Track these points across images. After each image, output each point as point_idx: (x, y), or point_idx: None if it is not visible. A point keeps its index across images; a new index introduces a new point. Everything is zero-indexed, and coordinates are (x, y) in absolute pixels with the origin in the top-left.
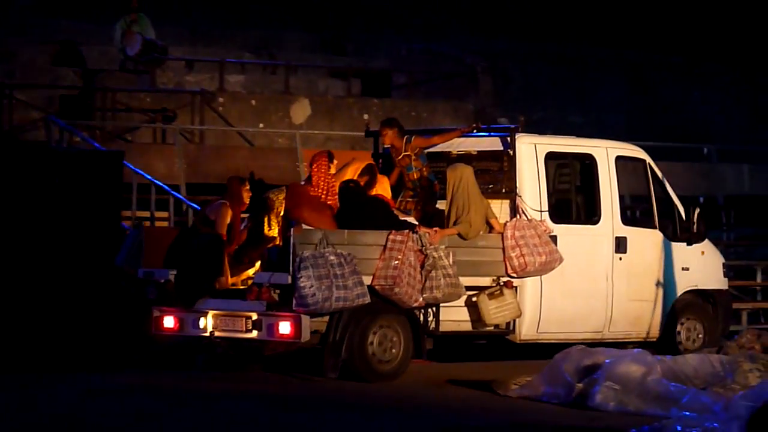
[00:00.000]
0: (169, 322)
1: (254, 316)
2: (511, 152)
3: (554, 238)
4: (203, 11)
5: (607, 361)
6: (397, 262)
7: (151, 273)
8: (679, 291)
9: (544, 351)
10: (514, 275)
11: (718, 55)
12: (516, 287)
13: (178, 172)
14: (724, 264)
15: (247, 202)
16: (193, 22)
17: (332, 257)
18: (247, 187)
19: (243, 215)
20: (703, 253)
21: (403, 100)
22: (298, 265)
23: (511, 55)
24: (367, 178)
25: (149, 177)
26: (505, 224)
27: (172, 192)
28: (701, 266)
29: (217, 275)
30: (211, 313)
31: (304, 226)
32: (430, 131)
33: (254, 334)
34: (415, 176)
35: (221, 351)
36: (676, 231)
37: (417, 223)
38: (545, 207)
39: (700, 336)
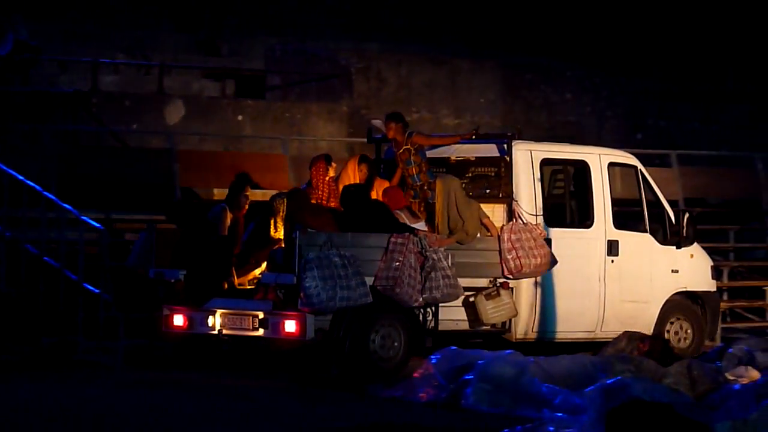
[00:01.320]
0: (178, 320)
1: (261, 315)
2: (508, 158)
3: (549, 242)
4: (77, 11)
5: (479, 362)
6: (397, 263)
7: (161, 273)
8: (669, 292)
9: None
10: (510, 276)
11: (590, 58)
12: (512, 288)
13: (51, 172)
14: (712, 267)
15: (247, 206)
16: (67, 22)
17: (336, 259)
18: (247, 192)
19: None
20: (692, 256)
21: (278, 102)
22: (303, 266)
23: (385, 57)
24: (366, 170)
25: (21, 177)
26: (501, 228)
27: (45, 192)
28: (690, 269)
29: (225, 276)
30: (219, 311)
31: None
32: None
33: (261, 332)
34: (414, 171)
35: (228, 348)
36: (666, 235)
37: (426, 228)
38: (540, 211)
39: (688, 335)
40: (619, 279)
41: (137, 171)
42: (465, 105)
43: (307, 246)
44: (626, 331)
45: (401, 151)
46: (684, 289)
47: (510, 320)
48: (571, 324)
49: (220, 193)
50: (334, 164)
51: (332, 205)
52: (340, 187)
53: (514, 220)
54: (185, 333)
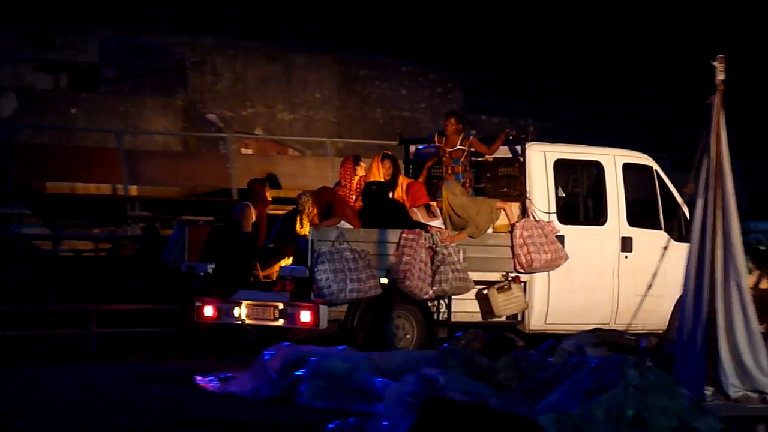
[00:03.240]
0: (208, 311)
1: (281, 306)
2: (522, 159)
3: (561, 238)
4: None
5: (312, 358)
6: (407, 257)
7: (192, 266)
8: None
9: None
10: (522, 271)
11: (425, 55)
12: (525, 282)
13: None
14: None
15: (270, 200)
16: None
17: (347, 253)
18: (267, 190)
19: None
20: None
21: (112, 95)
22: (315, 260)
23: (220, 51)
24: (389, 166)
25: None
26: (513, 225)
27: None
28: None
29: (250, 269)
30: (244, 303)
31: (323, 224)
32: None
33: (280, 322)
34: (460, 170)
35: (252, 337)
36: (681, 232)
37: (441, 226)
38: (553, 209)
39: None
40: (632, 274)
41: None
42: (300, 100)
43: (319, 241)
44: (470, 329)
45: (455, 149)
46: None
47: (523, 312)
48: (584, 317)
49: (53, 187)
50: (362, 164)
51: (360, 203)
52: None
53: (527, 217)
54: (215, 323)
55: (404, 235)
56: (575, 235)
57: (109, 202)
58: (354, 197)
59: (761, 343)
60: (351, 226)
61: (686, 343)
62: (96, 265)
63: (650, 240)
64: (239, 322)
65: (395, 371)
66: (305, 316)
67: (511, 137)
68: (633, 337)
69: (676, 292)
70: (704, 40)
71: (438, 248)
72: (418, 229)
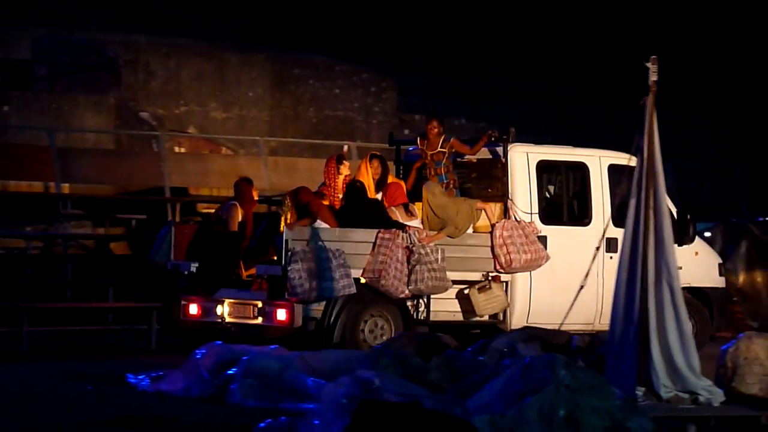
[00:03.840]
0: (193, 309)
1: (260, 304)
2: (504, 160)
3: (544, 239)
4: None
5: (244, 357)
6: (383, 257)
7: (177, 265)
8: None
9: None
10: (502, 271)
11: (358, 54)
12: (506, 282)
13: None
14: (720, 264)
15: (257, 200)
16: None
17: (321, 252)
18: (254, 190)
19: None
20: (696, 253)
21: (44, 93)
22: (289, 259)
23: (154, 49)
24: (378, 165)
25: None
26: (494, 225)
27: None
28: (694, 265)
29: (233, 267)
30: (227, 301)
31: (297, 224)
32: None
33: (259, 320)
34: (443, 171)
35: (231, 336)
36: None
37: (420, 226)
38: (535, 210)
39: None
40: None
41: None
42: (233, 98)
43: (293, 240)
44: (403, 332)
45: (435, 151)
46: (687, 285)
47: (504, 311)
48: (568, 317)
49: None
50: (346, 163)
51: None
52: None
53: (508, 218)
54: (199, 321)
55: (380, 234)
56: (558, 235)
57: (42, 200)
58: (340, 196)
59: (692, 343)
60: (327, 226)
61: (618, 343)
62: (31, 262)
63: None
64: (219, 320)
65: (328, 371)
66: (281, 315)
67: (493, 138)
68: (568, 336)
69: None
70: (638, 41)
71: (414, 248)
72: (394, 229)
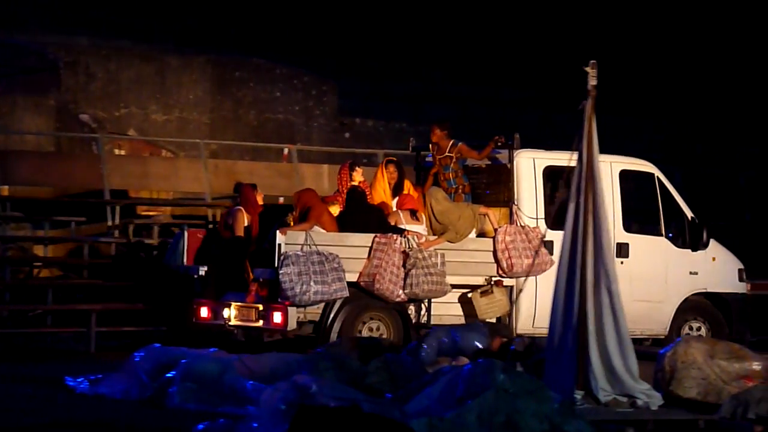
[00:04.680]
0: (204, 312)
1: (261, 307)
2: (509, 166)
3: (550, 244)
4: None
5: (183, 360)
6: (378, 261)
7: (187, 269)
8: (686, 293)
9: None
10: (504, 275)
11: (299, 57)
12: (510, 287)
13: None
14: (741, 269)
15: (261, 204)
16: None
17: (314, 256)
18: (258, 194)
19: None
20: (714, 259)
21: None
22: (281, 263)
23: (94, 51)
24: (393, 170)
25: None
26: (496, 230)
27: None
28: (711, 271)
29: (240, 271)
30: (233, 305)
31: (292, 229)
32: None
33: (260, 323)
34: (451, 176)
35: (234, 338)
36: (685, 239)
37: (423, 230)
38: (541, 215)
39: (705, 334)
40: (629, 280)
41: None
42: (174, 101)
43: (287, 244)
44: (344, 336)
45: (443, 156)
46: (703, 291)
47: (508, 315)
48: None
49: None
50: (359, 169)
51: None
52: (374, 191)
53: (512, 222)
54: (209, 323)
55: (377, 239)
56: None
57: None
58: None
59: (631, 347)
60: (323, 230)
61: (557, 347)
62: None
63: (649, 246)
64: (224, 323)
65: (267, 374)
66: (276, 318)
67: (499, 144)
68: (506, 338)
69: (676, 298)
70: (577, 45)
71: (411, 252)
72: (390, 234)
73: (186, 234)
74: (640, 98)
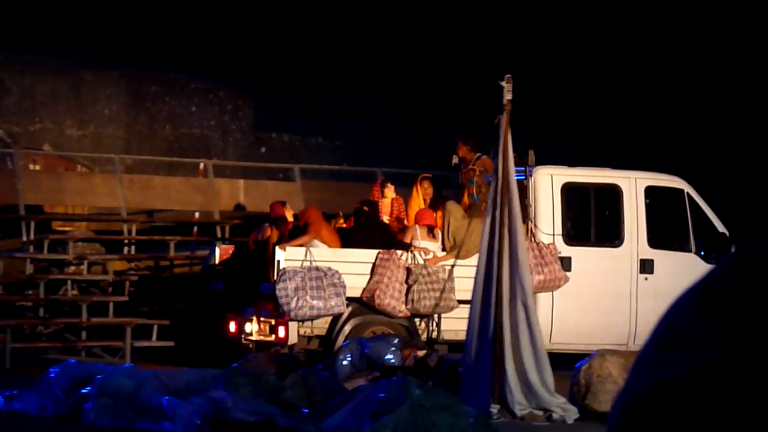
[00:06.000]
0: (232, 327)
1: (272, 322)
2: (525, 182)
3: (568, 260)
4: None
5: (98, 376)
6: (380, 276)
7: (216, 284)
8: None
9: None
10: None
11: (215, 72)
12: None
13: None
14: None
15: (292, 220)
16: None
17: (313, 271)
18: (288, 211)
19: None
20: None
21: None
22: (279, 278)
23: (8, 66)
24: (428, 186)
25: None
26: None
27: None
28: None
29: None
30: (255, 319)
31: (288, 246)
32: None
33: (272, 337)
34: (474, 191)
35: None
36: (716, 255)
37: (438, 247)
38: (558, 231)
39: None
40: (653, 296)
41: None
42: (89, 116)
43: (286, 260)
44: (262, 351)
45: (467, 170)
46: None
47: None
48: (596, 337)
49: None
50: (390, 186)
51: (394, 223)
52: (409, 208)
53: (527, 239)
54: (236, 337)
55: (380, 255)
56: (584, 256)
57: None
58: (385, 218)
59: (547, 361)
60: (324, 246)
61: (473, 361)
62: None
63: (676, 262)
64: (243, 337)
65: (183, 389)
66: (280, 332)
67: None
68: (423, 352)
69: None
70: (493, 60)
71: (414, 268)
72: (392, 250)
73: (218, 250)
74: (558, 112)
